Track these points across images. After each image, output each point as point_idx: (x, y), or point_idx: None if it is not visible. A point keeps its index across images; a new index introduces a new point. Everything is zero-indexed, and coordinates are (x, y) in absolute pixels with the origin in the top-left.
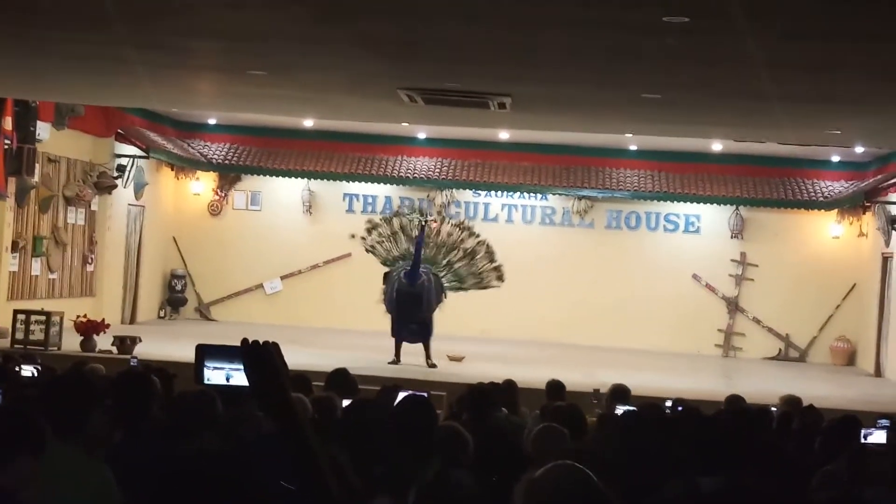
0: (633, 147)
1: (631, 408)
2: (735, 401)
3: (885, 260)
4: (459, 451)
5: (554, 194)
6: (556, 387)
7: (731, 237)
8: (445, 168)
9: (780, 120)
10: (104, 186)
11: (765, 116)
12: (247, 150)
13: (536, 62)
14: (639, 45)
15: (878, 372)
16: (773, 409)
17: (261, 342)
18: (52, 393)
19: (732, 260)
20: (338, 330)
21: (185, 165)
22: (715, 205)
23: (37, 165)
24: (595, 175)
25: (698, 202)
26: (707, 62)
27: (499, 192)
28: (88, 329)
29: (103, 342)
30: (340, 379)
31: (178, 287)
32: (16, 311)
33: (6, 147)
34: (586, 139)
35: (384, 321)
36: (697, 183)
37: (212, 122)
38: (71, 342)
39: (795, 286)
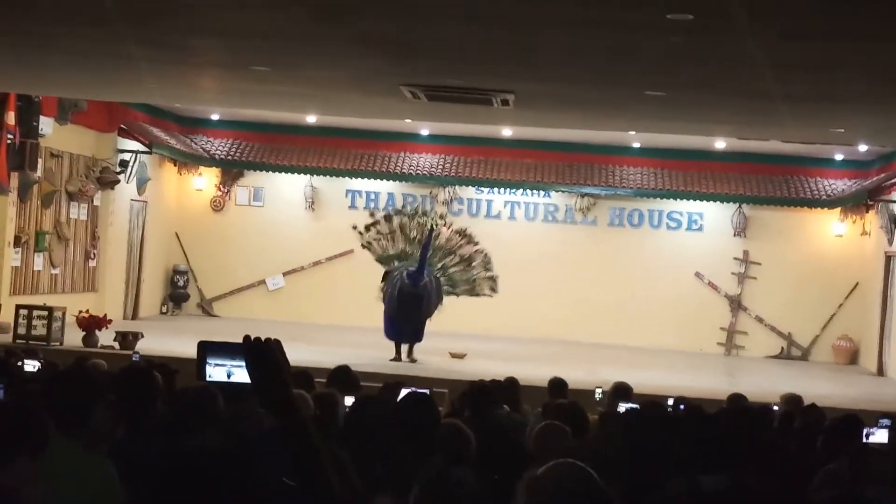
0: (636, 144)
1: (633, 405)
2: (737, 399)
3: (888, 259)
4: (461, 448)
5: (557, 191)
6: (558, 384)
7: (734, 235)
8: (448, 165)
9: (783, 118)
10: (107, 182)
11: (768, 115)
12: (250, 146)
13: (539, 60)
14: (642, 44)
15: (880, 371)
16: (775, 407)
17: (262, 339)
18: (54, 389)
19: (735, 258)
20: (340, 326)
21: (188, 161)
22: (718, 203)
23: (39, 160)
24: (598, 172)
25: (701, 200)
26: (710, 61)
27: (501, 189)
28: (90, 324)
29: (105, 338)
30: (342, 376)
31: (181, 283)
32: (18, 307)
33: (9, 142)
34: (589, 136)
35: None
36: (700, 181)
37: (215, 117)
38: (73, 337)
39: (798, 285)
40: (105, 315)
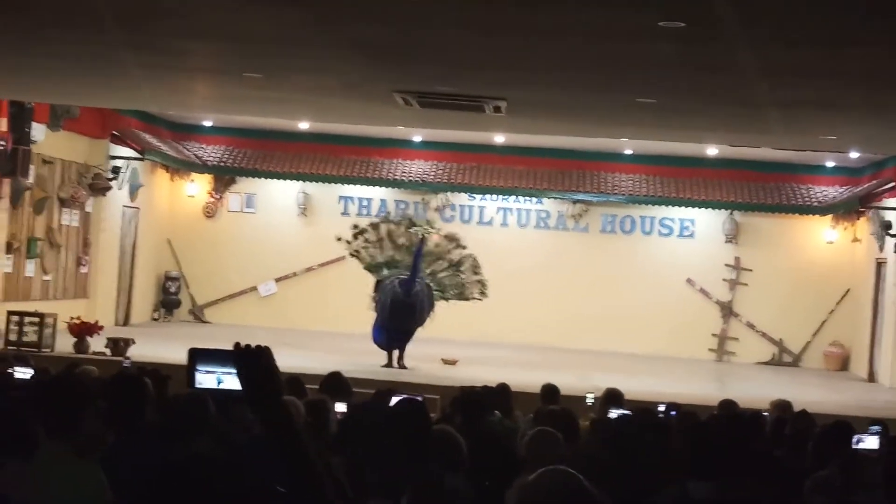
0: (628, 151)
1: (624, 412)
2: (728, 405)
3: (879, 265)
4: (453, 454)
5: (549, 198)
6: (550, 390)
7: (726, 242)
8: (440, 171)
9: (774, 125)
10: (99, 188)
11: (760, 122)
12: (242, 153)
13: (532, 67)
14: (634, 52)
15: (871, 377)
16: (766, 413)
17: (252, 346)
18: (44, 395)
19: (726, 264)
20: (332, 333)
21: (180, 167)
22: (709, 209)
23: (31, 167)
24: (590, 179)
25: (693, 206)
26: (701, 68)
27: (494, 196)
28: (82, 331)
29: (97, 344)
30: (334, 382)
31: (173, 289)
32: (9, 313)
33: (1, 148)
34: (581, 143)
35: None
36: (692, 187)
37: (207, 124)
38: (64, 344)
39: (789, 291)
40: (96, 321)
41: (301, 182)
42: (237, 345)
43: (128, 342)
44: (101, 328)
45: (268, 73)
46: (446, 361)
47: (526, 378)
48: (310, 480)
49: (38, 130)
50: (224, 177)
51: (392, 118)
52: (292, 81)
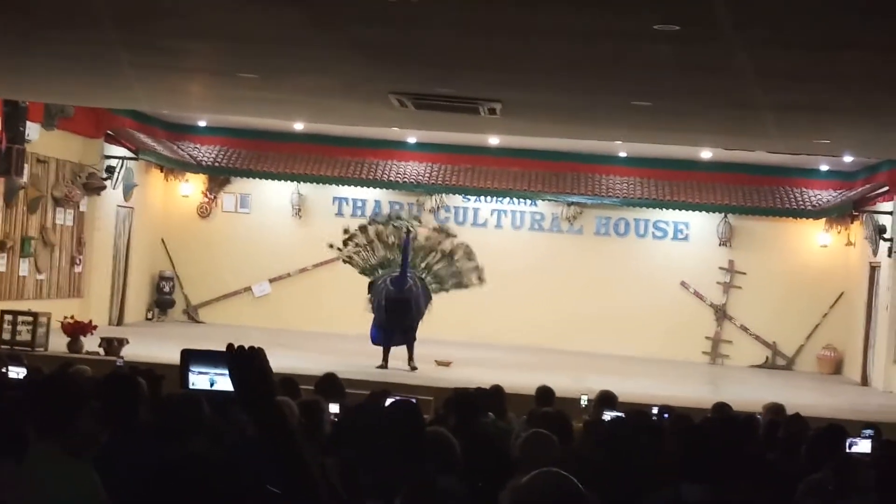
0: (622, 154)
1: (618, 414)
2: (721, 408)
3: (873, 269)
4: (446, 456)
5: (543, 200)
6: (545, 392)
7: (720, 245)
8: (435, 173)
9: (768, 129)
10: (93, 187)
11: (754, 125)
12: (236, 153)
13: (527, 69)
14: (628, 54)
15: (864, 381)
16: (759, 416)
17: (246, 348)
18: (37, 394)
19: (720, 267)
20: (326, 333)
21: (175, 167)
22: (703, 212)
23: (26, 166)
24: (584, 181)
25: (687, 209)
26: (696, 71)
27: (488, 198)
28: (76, 330)
29: (90, 343)
30: (329, 383)
31: (167, 289)
32: (3, 312)
33: None
34: (576, 145)
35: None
36: (686, 190)
37: (202, 124)
38: (58, 343)
39: (783, 294)
40: (90, 321)
41: (295, 183)
42: (230, 346)
43: (121, 342)
44: (94, 328)
45: (264, 74)
46: (440, 363)
47: (520, 380)
48: (303, 481)
49: (32, 129)
50: (218, 177)
51: (387, 119)
52: (288, 82)
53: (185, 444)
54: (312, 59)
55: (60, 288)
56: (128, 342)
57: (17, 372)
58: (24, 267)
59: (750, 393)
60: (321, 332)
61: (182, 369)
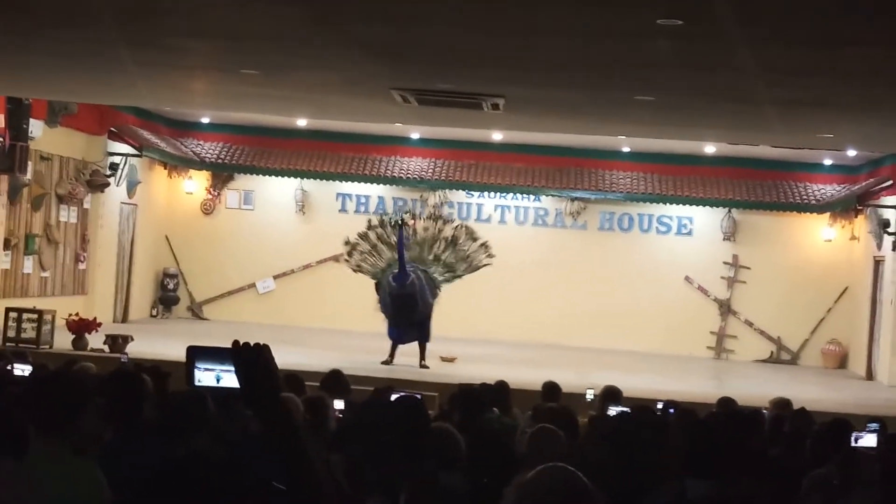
0: (626, 149)
1: (623, 409)
2: (726, 403)
3: (877, 263)
4: (451, 452)
5: (547, 195)
6: (551, 388)
7: (724, 239)
8: (438, 168)
9: (772, 123)
10: (97, 184)
11: (757, 120)
12: (240, 149)
13: (530, 65)
14: (631, 49)
15: (869, 375)
16: (764, 411)
17: (251, 344)
18: (40, 392)
19: (725, 262)
20: (330, 330)
21: (179, 164)
22: (707, 207)
23: (29, 163)
24: (588, 176)
25: (691, 204)
26: (699, 66)
27: (492, 193)
28: (80, 327)
29: (95, 341)
30: (334, 380)
31: (171, 286)
32: (8, 310)
33: None
34: (579, 141)
35: (376, 321)
36: (690, 185)
37: (205, 120)
38: (63, 340)
39: (787, 289)
40: (95, 318)
41: (299, 179)
42: (236, 342)
43: (126, 339)
44: (99, 325)
45: (266, 71)
46: (444, 359)
47: (524, 375)
48: (308, 478)
49: (35, 127)
50: (222, 173)
51: (390, 115)
52: (291, 78)
53: (189, 442)
54: (314, 55)
55: (65, 285)
56: (132, 339)
57: (22, 369)
58: (29, 264)
59: (755, 388)
60: (325, 329)
61: (188, 366)
